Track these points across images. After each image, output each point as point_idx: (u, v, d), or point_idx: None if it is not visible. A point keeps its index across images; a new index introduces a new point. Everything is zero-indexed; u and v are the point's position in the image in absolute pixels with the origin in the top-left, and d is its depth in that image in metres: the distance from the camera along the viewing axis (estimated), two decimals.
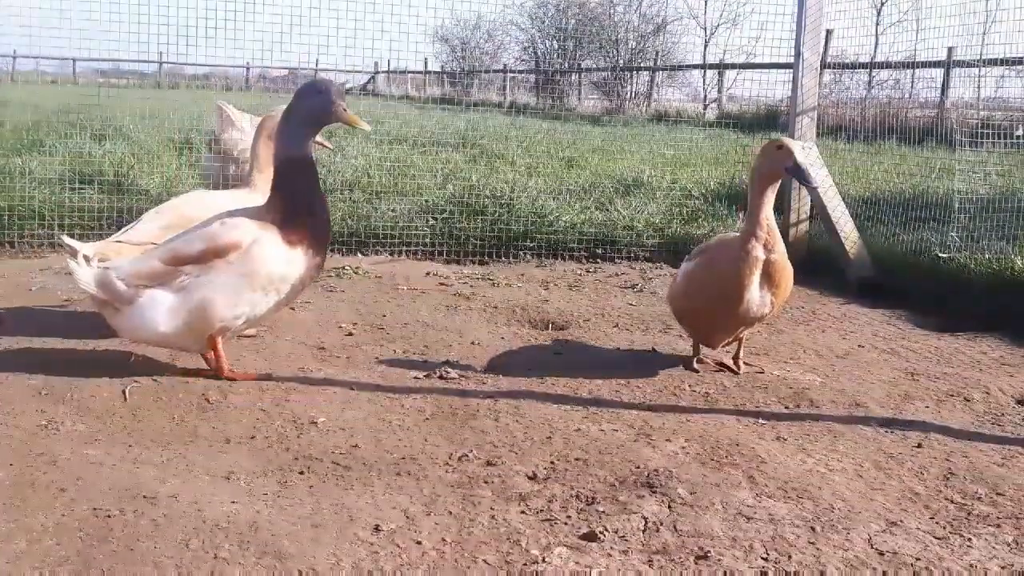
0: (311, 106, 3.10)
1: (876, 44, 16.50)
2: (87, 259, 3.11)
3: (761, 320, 3.44)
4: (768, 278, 3.30)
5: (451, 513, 2.24)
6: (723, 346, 3.65)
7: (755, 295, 3.30)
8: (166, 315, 3.04)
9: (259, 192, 3.72)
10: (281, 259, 3.07)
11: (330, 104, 3.09)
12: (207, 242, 3.05)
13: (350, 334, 3.90)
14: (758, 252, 3.25)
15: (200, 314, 3.05)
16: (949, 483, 2.54)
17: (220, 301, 3.05)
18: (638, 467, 2.53)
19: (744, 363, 3.62)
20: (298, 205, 3.09)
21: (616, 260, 5.87)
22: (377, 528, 2.13)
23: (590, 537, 2.12)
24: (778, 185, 3.33)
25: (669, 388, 3.32)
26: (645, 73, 23.40)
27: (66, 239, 3.31)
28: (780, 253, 3.30)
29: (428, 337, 3.90)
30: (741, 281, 3.26)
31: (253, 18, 6.07)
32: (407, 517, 2.20)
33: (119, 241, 3.50)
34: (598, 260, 5.88)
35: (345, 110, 3.13)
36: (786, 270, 3.35)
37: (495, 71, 25.95)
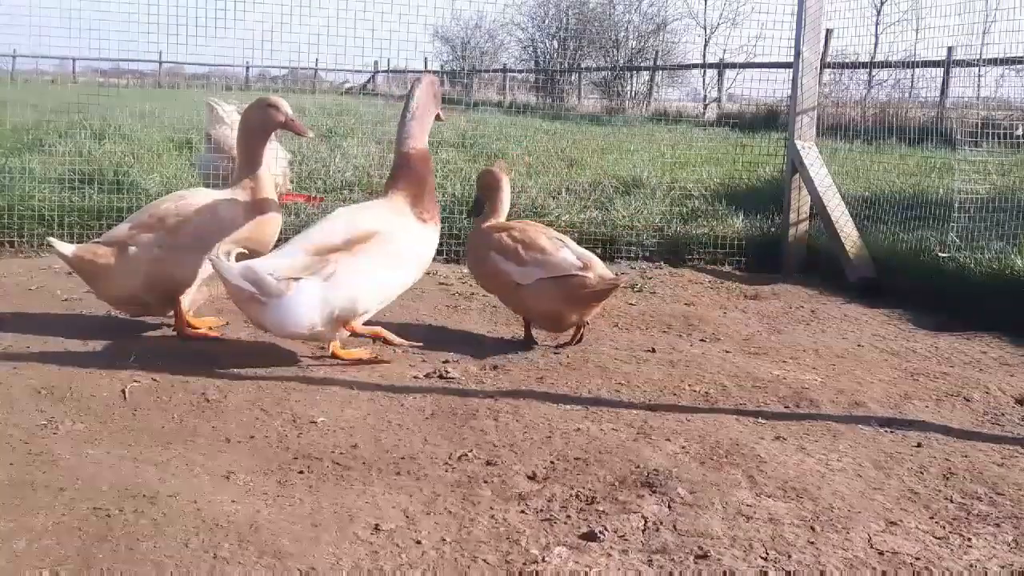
0: (428, 101, 3.56)
1: (876, 43, 16.51)
2: (229, 255, 3.26)
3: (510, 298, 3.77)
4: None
5: (451, 513, 2.24)
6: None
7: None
8: (315, 304, 3.18)
9: (241, 188, 3.63)
10: (418, 237, 3.42)
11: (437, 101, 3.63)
12: (350, 230, 3.25)
13: (351, 334, 3.89)
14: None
15: (349, 298, 3.21)
16: (949, 483, 2.54)
17: (367, 284, 3.24)
18: (638, 467, 2.53)
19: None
20: (428, 189, 3.53)
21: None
22: (377, 528, 2.13)
23: (590, 537, 2.12)
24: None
25: (669, 388, 3.32)
26: (645, 72, 23.44)
27: (53, 241, 3.52)
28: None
29: (428, 337, 3.89)
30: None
31: (253, 17, 6.08)
32: (407, 516, 2.20)
33: (97, 242, 3.62)
34: None
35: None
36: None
37: (495, 70, 25.97)
